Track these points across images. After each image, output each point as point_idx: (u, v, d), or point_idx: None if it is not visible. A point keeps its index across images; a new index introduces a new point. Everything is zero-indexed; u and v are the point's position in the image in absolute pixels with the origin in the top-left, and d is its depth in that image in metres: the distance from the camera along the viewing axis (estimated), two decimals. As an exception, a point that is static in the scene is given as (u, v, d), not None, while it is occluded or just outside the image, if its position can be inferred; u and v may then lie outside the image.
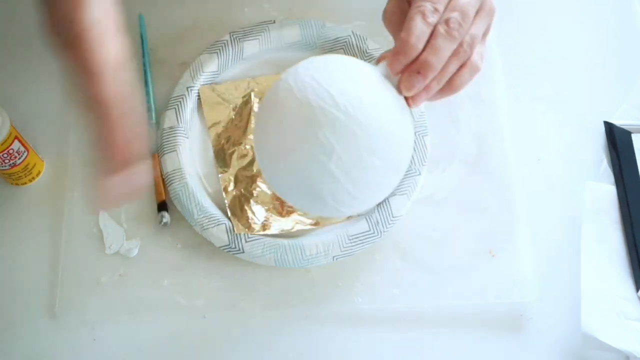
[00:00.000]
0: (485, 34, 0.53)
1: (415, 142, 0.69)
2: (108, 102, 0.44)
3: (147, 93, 0.72)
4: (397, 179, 0.53)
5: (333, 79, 0.50)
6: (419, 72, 0.50)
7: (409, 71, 0.51)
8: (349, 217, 0.67)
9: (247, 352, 0.64)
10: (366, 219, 0.66)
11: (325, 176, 0.49)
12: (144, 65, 0.74)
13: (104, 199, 0.47)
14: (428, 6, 0.50)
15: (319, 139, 0.48)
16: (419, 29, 0.50)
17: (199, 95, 0.72)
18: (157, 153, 0.69)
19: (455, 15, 0.50)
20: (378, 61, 0.53)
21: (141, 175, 0.47)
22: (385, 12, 0.56)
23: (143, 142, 0.47)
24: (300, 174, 0.50)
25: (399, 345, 0.64)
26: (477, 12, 0.52)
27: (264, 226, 0.66)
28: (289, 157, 0.50)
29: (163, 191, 0.68)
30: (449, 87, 0.53)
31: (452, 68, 0.52)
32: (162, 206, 0.67)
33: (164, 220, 0.66)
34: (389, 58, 0.51)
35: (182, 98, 0.71)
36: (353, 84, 0.50)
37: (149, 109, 0.72)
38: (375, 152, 0.49)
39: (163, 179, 0.68)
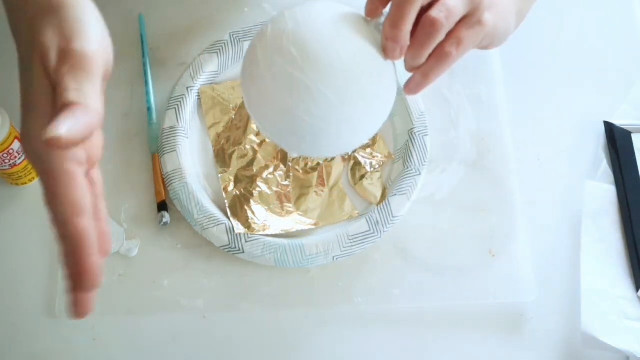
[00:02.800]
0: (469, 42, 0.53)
1: (415, 142, 0.69)
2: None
3: (147, 93, 0.72)
4: (376, 122, 0.54)
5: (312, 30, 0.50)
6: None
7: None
8: (349, 217, 0.67)
9: (247, 352, 0.64)
10: (366, 219, 0.66)
11: (303, 119, 0.50)
12: (144, 65, 0.74)
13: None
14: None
15: (297, 85, 0.49)
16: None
17: (199, 96, 0.72)
18: (157, 153, 0.69)
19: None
20: (370, 14, 0.52)
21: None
22: None
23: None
24: (281, 116, 0.51)
25: (398, 345, 0.64)
26: (464, 19, 0.52)
27: (264, 226, 0.66)
28: (273, 103, 0.51)
29: (163, 191, 0.68)
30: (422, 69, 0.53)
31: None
32: (162, 206, 0.67)
33: (164, 220, 0.66)
34: (388, 39, 0.51)
35: (182, 98, 0.71)
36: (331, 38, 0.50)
37: (149, 109, 0.72)
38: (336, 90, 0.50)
39: (163, 179, 0.68)
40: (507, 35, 0.57)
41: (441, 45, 0.51)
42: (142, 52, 0.74)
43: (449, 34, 0.51)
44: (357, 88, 0.50)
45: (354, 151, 0.70)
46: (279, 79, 0.50)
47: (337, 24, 0.51)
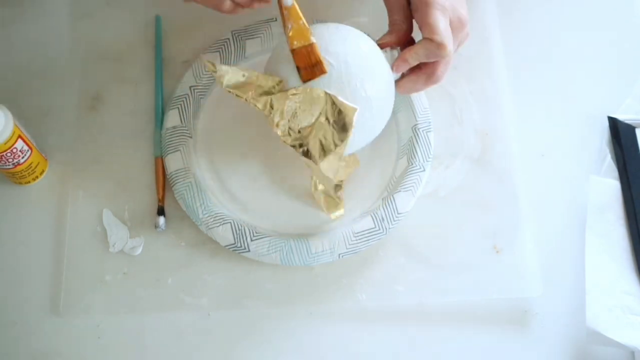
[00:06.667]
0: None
1: (419, 139, 0.69)
2: None
3: (157, 96, 0.72)
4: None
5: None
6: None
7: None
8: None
9: (252, 349, 0.64)
10: (371, 216, 0.66)
11: None
12: (157, 68, 0.73)
13: None
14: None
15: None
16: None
17: (205, 93, 0.71)
18: (161, 157, 0.69)
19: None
20: (382, 46, 0.63)
21: None
22: None
23: None
24: None
25: (403, 342, 0.64)
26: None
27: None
28: None
29: (162, 197, 0.67)
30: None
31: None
32: (160, 211, 0.67)
33: (160, 224, 0.66)
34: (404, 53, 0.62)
35: (185, 97, 0.70)
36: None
37: (158, 112, 0.71)
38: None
39: (163, 184, 0.68)
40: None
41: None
42: (156, 55, 0.74)
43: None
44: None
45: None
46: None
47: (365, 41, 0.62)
